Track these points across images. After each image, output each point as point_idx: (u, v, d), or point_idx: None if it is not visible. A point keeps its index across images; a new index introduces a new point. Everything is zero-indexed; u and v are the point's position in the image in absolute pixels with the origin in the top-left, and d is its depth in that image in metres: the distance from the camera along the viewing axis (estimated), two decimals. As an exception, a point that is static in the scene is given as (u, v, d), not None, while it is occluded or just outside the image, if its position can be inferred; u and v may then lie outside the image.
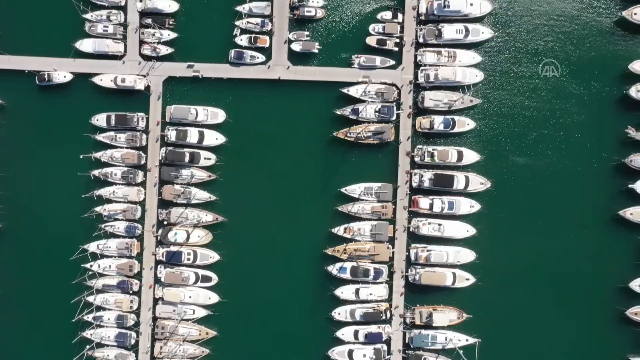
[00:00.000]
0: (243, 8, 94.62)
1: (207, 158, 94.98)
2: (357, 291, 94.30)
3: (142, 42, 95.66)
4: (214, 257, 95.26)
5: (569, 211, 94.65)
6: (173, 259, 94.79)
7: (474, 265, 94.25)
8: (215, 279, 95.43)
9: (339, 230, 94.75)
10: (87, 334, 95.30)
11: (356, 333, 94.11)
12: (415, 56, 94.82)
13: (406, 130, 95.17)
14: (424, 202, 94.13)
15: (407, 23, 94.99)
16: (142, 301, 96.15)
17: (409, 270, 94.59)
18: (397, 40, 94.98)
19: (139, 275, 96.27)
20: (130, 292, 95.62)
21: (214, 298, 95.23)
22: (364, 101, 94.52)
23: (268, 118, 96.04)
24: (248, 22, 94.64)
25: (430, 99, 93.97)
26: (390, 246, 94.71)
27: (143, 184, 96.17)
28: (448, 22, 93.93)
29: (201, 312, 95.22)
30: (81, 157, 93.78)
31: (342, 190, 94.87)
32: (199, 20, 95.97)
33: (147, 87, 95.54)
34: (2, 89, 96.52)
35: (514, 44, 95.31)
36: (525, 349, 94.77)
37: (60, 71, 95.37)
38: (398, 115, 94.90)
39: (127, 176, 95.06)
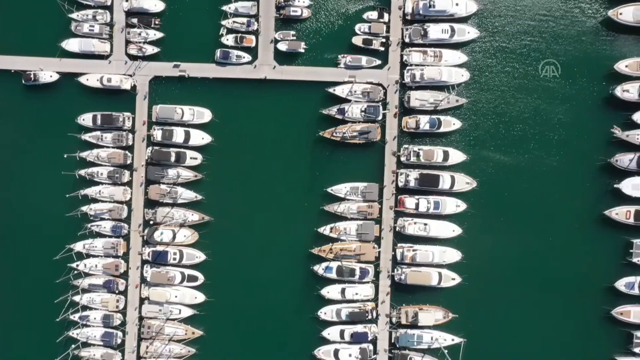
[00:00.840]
0: (229, 8, 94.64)
1: (193, 158, 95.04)
2: (343, 291, 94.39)
3: (128, 42, 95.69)
4: (200, 256, 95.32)
5: (555, 211, 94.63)
6: (159, 259, 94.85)
7: (460, 265, 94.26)
8: (201, 278, 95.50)
9: (325, 229, 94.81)
10: (73, 333, 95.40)
11: (342, 332, 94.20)
12: (402, 56, 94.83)
13: (392, 130, 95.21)
14: (410, 202, 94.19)
15: (393, 23, 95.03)
16: (129, 301, 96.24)
17: (395, 269, 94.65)
18: (383, 40, 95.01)
19: (125, 275, 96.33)
20: (117, 291, 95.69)
21: (200, 298, 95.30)
22: (350, 101, 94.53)
23: (254, 118, 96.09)
24: (234, 22, 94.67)
25: (416, 98, 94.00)
26: (376, 246, 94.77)
27: (129, 183, 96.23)
28: (434, 22, 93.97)
29: (187, 312, 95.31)
30: (65, 156, 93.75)
31: (328, 190, 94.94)
32: (185, 20, 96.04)
33: (134, 87, 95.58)
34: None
35: (500, 43, 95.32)
36: (511, 348, 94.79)
37: (47, 71, 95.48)
38: (384, 115, 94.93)
39: (113, 176, 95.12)
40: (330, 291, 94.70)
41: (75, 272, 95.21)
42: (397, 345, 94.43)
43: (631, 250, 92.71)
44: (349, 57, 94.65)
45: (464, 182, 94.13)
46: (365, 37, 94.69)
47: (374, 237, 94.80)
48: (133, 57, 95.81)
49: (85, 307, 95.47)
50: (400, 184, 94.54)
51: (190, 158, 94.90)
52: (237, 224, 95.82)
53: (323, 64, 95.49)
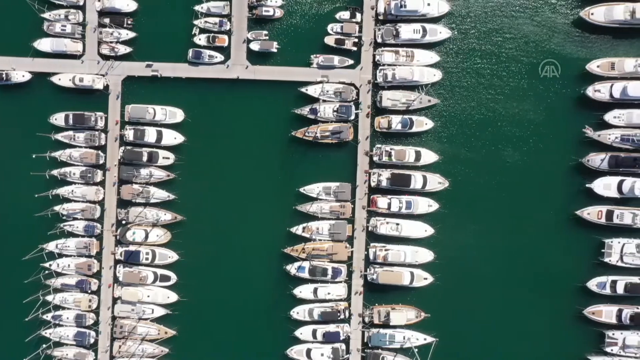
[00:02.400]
0: (201, 7, 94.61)
1: (166, 157, 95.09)
2: (315, 290, 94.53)
3: (100, 42, 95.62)
4: (172, 256, 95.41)
5: (528, 211, 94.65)
6: (131, 259, 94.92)
7: (433, 264, 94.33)
8: (174, 278, 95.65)
9: (298, 229, 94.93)
10: (46, 332, 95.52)
11: (314, 332, 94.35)
12: (374, 56, 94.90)
13: (365, 130, 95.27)
14: (382, 202, 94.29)
15: (365, 23, 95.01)
16: (102, 300, 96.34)
17: (368, 269, 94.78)
18: (356, 40, 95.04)
19: (98, 275, 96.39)
20: (89, 291, 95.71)
21: (172, 297, 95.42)
22: (323, 101, 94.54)
23: (227, 117, 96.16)
24: (206, 22, 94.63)
25: (388, 98, 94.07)
26: (348, 245, 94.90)
27: (102, 183, 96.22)
28: (406, 22, 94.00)
29: (160, 311, 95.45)
30: (33, 156, 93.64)
31: (301, 189, 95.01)
32: (157, 20, 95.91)
33: (106, 87, 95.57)
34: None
35: (473, 44, 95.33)
36: (484, 348, 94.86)
37: (19, 70, 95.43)
38: (357, 115, 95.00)
39: (85, 175, 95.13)
40: (303, 291, 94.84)
41: (47, 271, 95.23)
42: (370, 345, 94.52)
43: (603, 250, 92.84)
44: (322, 57, 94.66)
45: (437, 182, 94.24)
46: (338, 37, 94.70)
47: (346, 237, 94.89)
48: (105, 57, 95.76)
49: (57, 307, 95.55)
50: (372, 184, 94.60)
51: (163, 158, 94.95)
52: (210, 224, 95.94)
53: (296, 63, 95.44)
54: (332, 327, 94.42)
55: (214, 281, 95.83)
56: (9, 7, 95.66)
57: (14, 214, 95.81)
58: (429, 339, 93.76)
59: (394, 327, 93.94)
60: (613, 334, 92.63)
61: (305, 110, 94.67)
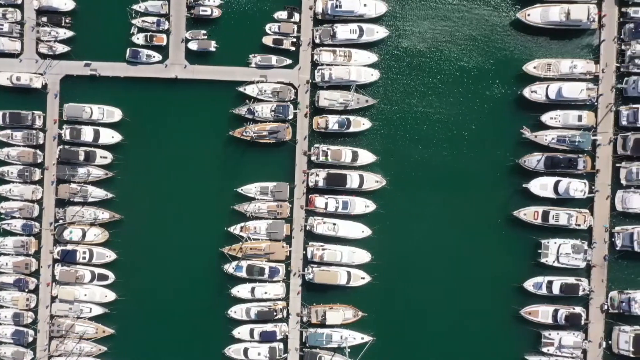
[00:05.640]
0: (139, 7, 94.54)
1: (103, 157, 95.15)
2: (252, 290, 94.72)
3: (38, 40, 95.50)
4: (110, 255, 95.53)
5: (465, 211, 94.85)
6: (68, 258, 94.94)
7: (370, 265, 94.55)
8: (112, 277, 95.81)
9: (236, 229, 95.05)
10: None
11: (252, 331, 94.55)
12: (312, 55, 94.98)
13: (303, 130, 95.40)
14: (319, 202, 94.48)
15: (304, 23, 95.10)
16: (40, 299, 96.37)
17: (305, 269, 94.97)
18: (294, 40, 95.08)
19: (36, 273, 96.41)
20: (27, 289, 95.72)
21: (110, 296, 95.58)
22: (260, 100, 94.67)
23: (165, 117, 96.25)
24: (143, 21, 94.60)
25: (325, 98, 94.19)
26: (285, 245, 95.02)
27: (40, 182, 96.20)
28: (343, 22, 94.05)
29: (98, 310, 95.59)
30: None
31: (238, 190, 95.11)
32: (96, 19, 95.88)
33: (44, 86, 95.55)
34: None
35: (411, 44, 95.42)
36: (421, 347, 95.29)
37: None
38: (295, 115, 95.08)
39: (23, 174, 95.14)
40: (240, 290, 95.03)
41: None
42: (307, 345, 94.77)
43: (539, 251, 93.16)
44: (260, 57, 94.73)
45: (374, 181, 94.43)
46: (276, 37, 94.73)
47: (283, 236, 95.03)
48: (44, 56, 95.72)
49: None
50: (310, 184, 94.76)
51: (100, 157, 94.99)
52: (148, 223, 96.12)
53: (234, 63, 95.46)
54: (269, 327, 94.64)
55: (151, 280, 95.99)
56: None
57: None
58: (366, 338, 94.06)
59: (331, 326, 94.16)
60: (549, 334, 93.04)
61: (242, 110, 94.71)
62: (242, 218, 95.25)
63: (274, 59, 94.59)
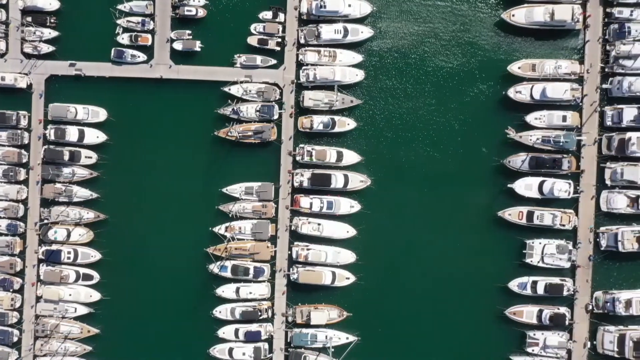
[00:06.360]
0: (124, 7, 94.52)
1: (88, 157, 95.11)
2: (237, 290, 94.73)
3: (23, 40, 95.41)
4: (95, 255, 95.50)
5: (450, 211, 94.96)
6: (53, 258, 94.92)
7: (355, 265, 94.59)
8: (96, 277, 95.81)
9: (220, 229, 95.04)
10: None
11: (236, 331, 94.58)
12: (297, 55, 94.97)
13: (288, 130, 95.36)
14: (304, 202, 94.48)
15: (289, 23, 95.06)
16: (25, 299, 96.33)
17: (290, 269, 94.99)
18: (279, 40, 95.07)
19: (21, 273, 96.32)
20: (11, 289, 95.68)
21: (95, 296, 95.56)
22: (245, 100, 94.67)
23: (150, 117, 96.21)
24: (128, 21, 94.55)
25: (310, 98, 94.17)
26: (270, 245, 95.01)
27: (25, 182, 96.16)
28: (327, 23, 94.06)
29: (83, 310, 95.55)
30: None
31: (224, 190, 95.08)
32: (81, 19, 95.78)
33: (29, 86, 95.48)
34: None
35: (396, 44, 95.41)
36: (406, 347, 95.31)
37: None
38: (280, 115, 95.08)
39: (8, 174, 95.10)
40: (225, 290, 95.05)
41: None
42: (292, 345, 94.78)
43: (524, 251, 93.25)
44: (244, 57, 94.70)
45: (358, 181, 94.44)
46: (261, 37, 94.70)
47: (268, 237, 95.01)
48: (29, 56, 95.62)
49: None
50: (295, 184, 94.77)
51: (85, 157, 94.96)
52: (133, 223, 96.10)
53: (219, 63, 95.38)
54: (254, 327, 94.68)
55: (136, 280, 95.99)
56: None
57: None
58: (351, 338, 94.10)
59: (316, 326, 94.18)
60: (534, 334, 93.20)
61: (227, 110, 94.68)
62: (227, 218, 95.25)
63: (258, 59, 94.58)
